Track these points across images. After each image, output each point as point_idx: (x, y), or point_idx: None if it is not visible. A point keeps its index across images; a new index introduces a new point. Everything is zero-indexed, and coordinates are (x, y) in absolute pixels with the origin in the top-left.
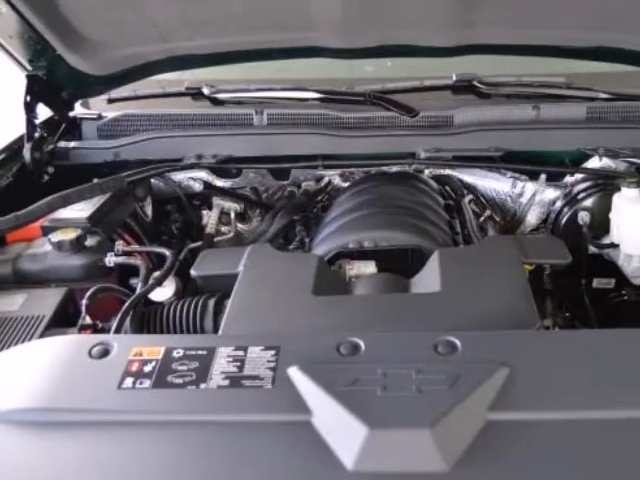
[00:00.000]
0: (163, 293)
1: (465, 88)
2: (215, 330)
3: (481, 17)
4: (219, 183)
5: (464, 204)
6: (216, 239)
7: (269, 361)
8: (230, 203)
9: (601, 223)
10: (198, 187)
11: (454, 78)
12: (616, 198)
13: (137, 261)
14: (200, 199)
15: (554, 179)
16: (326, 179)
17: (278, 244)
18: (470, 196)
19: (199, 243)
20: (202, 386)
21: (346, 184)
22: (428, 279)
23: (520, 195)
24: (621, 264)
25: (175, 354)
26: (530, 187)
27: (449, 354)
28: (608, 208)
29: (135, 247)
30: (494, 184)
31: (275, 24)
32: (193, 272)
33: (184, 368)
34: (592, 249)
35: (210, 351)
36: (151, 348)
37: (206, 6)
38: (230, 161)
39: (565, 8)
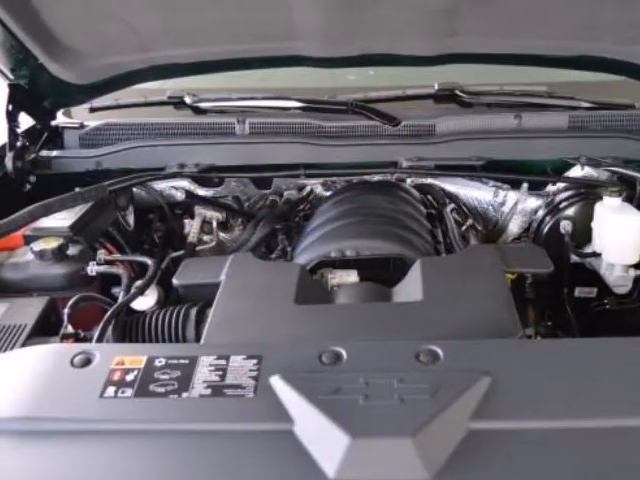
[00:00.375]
0: (145, 302)
1: (447, 97)
2: (197, 339)
3: (463, 26)
4: (201, 192)
5: (446, 213)
6: (198, 248)
7: (251, 370)
8: (212, 212)
9: (583, 232)
10: (180, 196)
11: (436, 87)
12: (598, 207)
13: (119, 270)
14: (182, 208)
15: (536, 188)
16: (308, 188)
17: (260, 253)
18: (452, 205)
19: (181, 252)
20: (184, 395)
21: (328, 193)
22: (410, 288)
23: (502, 204)
24: (603, 273)
25: (157, 363)
26: (512, 196)
27: (431, 363)
28: (590, 217)
29: (117, 256)
30: (476, 193)
31: (257, 33)
32: (175, 281)
33: (166, 377)
34: (574, 258)
35: (192, 360)
36: (133, 357)
37: (188, 15)
38: (212, 170)
39: (547, 17)
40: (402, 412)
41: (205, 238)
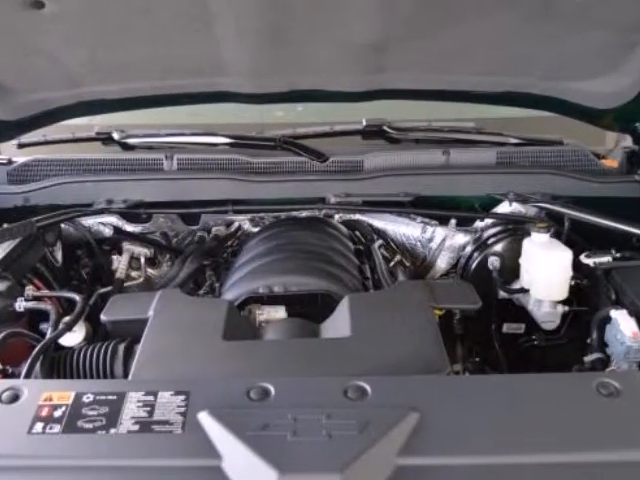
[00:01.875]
0: (73, 338)
1: (375, 133)
2: (125, 375)
3: (391, 62)
4: (129, 228)
5: (374, 249)
6: (126, 284)
7: (179, 406)
8: (140, 248)
9: (511, 268)
10: (108, 232)
11: (364, 123)
12: (526, 243)
13: (47, 306)
14: (110, 244)
15: (464, 224)
16: (236, 224)
17: (188, 289)
18: (380, 241)
19: (109, 288)
20: (112, 431)
21: (256, 229)
22: (338, 324)
23: (430, 240)
24: (531, 309)
25: (85, 399)
26: (440, 232)
27: (359, 399)
28: (518, 253)
29: (45, 292)
30: (404, 229)
31: (186, 69)
32: (103, 317)
33: (94, 413)
34: (502, 294)
35: (120, 396)
36: (61, 393)
37: (116, 51)
38: (140, 206)
39: (475, 54)
40: (330, 448)
41: (133, 274)
